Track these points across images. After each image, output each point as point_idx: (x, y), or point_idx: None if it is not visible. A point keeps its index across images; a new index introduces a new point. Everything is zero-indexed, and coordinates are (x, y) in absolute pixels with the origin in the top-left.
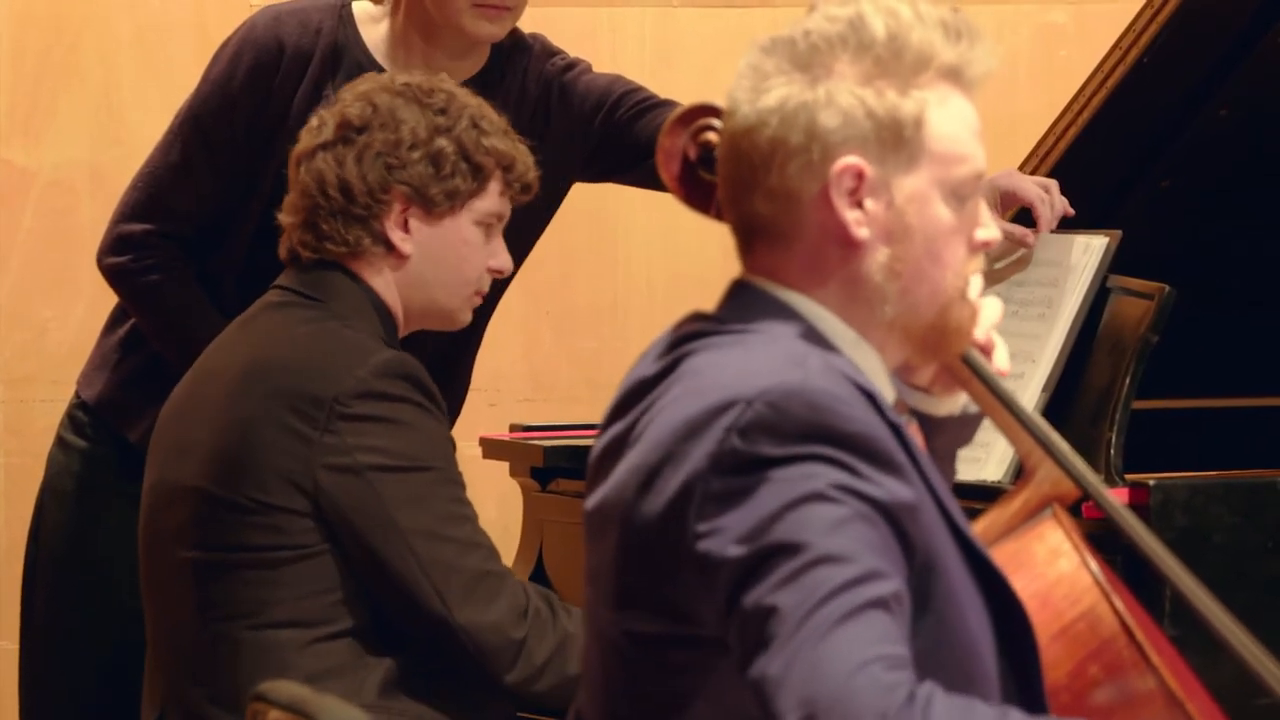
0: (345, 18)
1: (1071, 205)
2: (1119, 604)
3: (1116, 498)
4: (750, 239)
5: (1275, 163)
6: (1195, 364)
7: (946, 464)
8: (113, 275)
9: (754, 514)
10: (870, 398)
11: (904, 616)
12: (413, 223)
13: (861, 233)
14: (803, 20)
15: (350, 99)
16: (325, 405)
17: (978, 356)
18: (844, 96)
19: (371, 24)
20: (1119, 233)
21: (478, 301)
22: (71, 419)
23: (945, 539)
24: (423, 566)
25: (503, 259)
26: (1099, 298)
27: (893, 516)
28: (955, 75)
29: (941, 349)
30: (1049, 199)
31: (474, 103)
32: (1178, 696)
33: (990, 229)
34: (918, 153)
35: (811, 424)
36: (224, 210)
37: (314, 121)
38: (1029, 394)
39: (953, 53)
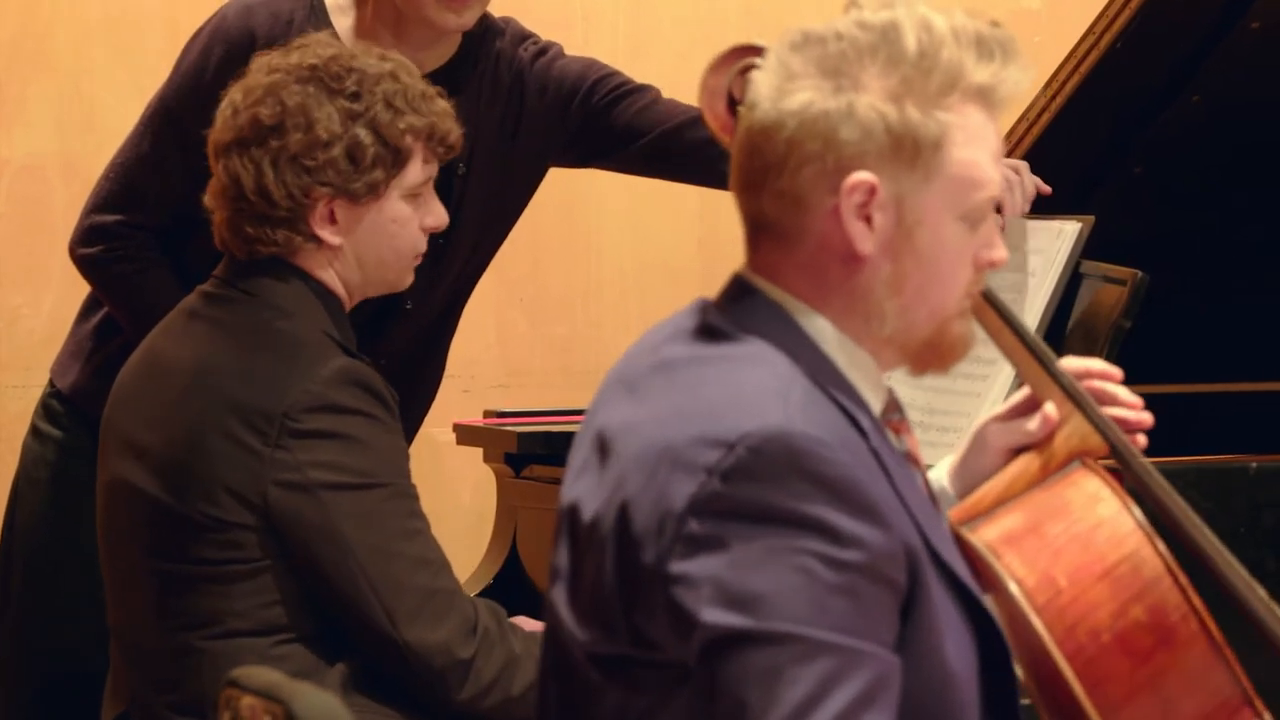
0: (316, 8)
1: None
2: (1162, 547)
3: (1144, 456)
4: (756, 233)
5: (1247, 149)
6: (1168, 349)
7: None
8: (85, 266)
9: (730, 578)
10: (854, 421)
11: (888, 690)
12: (339, 213)
13: (865, 247)
14: (838, 19)
15: (259, 91)
16: (275, 420)
17: (1005, 305)
18: (866, 110)
19: (342, 14)
20: (1092, 218)
21: (417, 263)
22: (46, 408)
23: (927, 568)
24: (372, 584)
25: (438, 214)
26: (1072, 283)
27: (876, 572)
28: (983, 96)
29: (935, 363)
30: (1018, 181)
31: (387, 76)
32: (1218, 640)
33: (999, 249)
34: (933, 174)
35: (792, 469)
36: (196, 201)
37: (226, 106)
38: (1003, 380)
39: (984, 73)
